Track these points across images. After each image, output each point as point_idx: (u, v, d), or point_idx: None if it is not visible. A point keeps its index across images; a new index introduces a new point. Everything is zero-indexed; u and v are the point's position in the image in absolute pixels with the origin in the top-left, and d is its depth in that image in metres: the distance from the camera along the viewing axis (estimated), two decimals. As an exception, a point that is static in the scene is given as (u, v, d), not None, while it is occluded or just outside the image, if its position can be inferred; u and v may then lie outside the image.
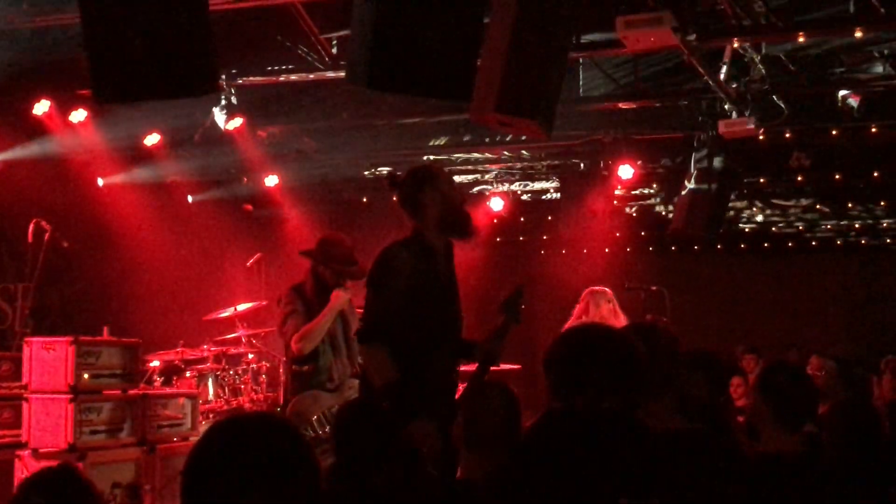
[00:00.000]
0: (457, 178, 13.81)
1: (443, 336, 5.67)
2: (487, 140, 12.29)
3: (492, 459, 4.02)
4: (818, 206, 14.15)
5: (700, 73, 9.37)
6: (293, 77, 10.01)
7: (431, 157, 12.80)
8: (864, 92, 10.38)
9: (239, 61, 9.90)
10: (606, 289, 9.26)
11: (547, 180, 13.96)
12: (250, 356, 10.32)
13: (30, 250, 9.20)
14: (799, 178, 13.03)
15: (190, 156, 12.18)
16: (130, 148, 11.40)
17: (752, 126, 10.24)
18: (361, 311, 7.78)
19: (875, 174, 12.81)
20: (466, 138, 12.29)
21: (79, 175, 11.24)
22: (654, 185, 13.74)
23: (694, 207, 11.34)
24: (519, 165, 13.58)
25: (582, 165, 13.08)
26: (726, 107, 10.24)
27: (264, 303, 11.09)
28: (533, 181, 14.01)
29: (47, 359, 7.63)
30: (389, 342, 5.45)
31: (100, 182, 11.69)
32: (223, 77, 9.84)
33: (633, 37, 7.94)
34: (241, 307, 10.62)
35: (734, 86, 9.85)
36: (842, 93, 10.45)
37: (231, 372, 10.06)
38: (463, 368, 6.06)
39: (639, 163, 12.26)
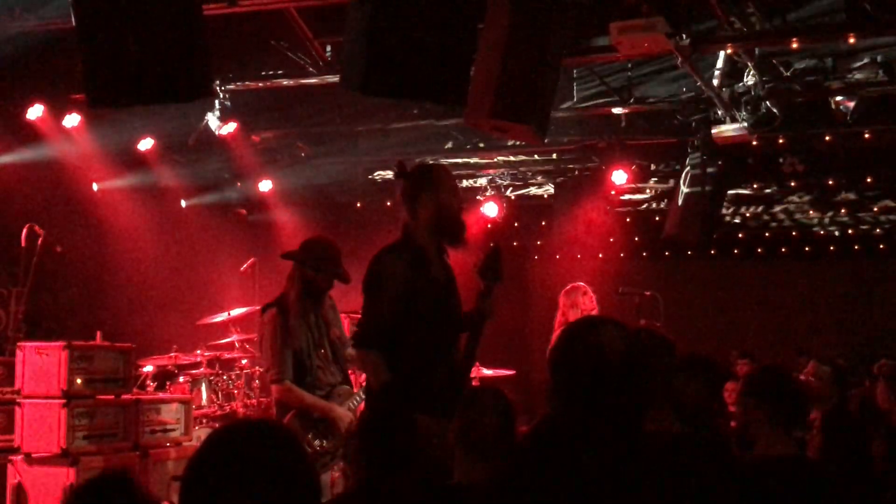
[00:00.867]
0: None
1: (443, 335, 5.70)
2: (482, 145, 12.29)
3: (487, 464, 4.02)
4: (811, 211, 14.17)
5: (694, 79, 9.38)
6: (287, 82, 10.01)
7: (426, 161, 12.81)
8: (857, 97, 10.40)
9: (233, 66, 9.90)
10: (579, 283, 9.36)
11: (541, 185, 13.96)
12: (244, 361, 10.31)
13: (23, 255, 9.18)
14: (792, 184, 13.05)
15: (184, 161, 12.19)
16: (124, 153, 11.39)
17: (745, 131, 10.26)
18: (344, 315, 7.78)
19: (868, 179, 12.83)
20: (460, 143, 12.28)
21: (72, 180, 11.22)
22: (648, 191, 13.76)
23: (687, 212, 11.35)
24: (513, 170, 13.59)
25: (576, 171, 13.09)
26: (720, 112, 10.26)
27: (258, 307, 11.07)
28: (527, 186, 14.01)
29: (40, 363, 7.61)
30: (384, 347, 5.50)
31: (95, 187, 11.67)
32: (217, 82, 9.84)
33: (626, 42, 7.95)
34: (235, 312, 10.61)
35: (727, 91, 9.86)
36: (836, 98, 10.47)
37: (224, 377, 10.05)
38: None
39: (633, 168, 12.28)
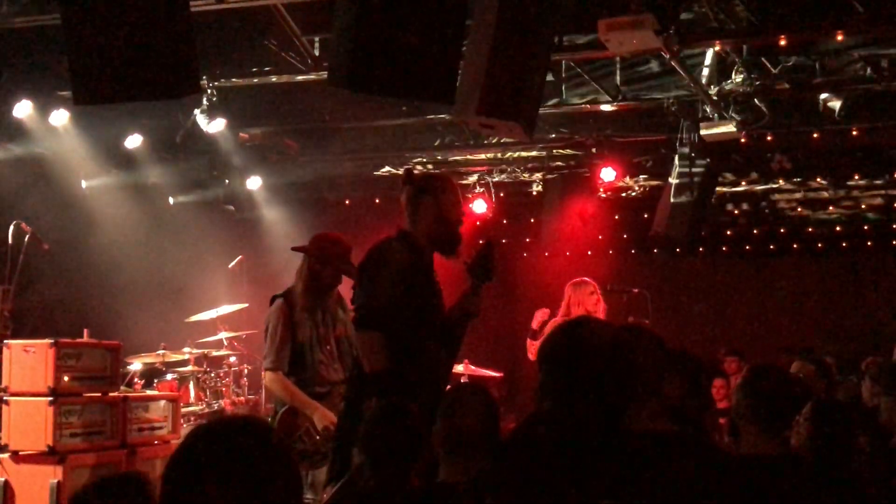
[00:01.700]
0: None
1: (431, 330, 5.70)
2: (471, 142, 12.29)
3: (470, 463, 4.02)
4: (800, 208, 14.20)
5: (682, 76, 9.39)
6: (275, 79, 9.99)
7: (414, 158, 12.81)
8: (845, 95, 10.42)
9: (220, 63, 9.87)
10: (587, 280, 9.31)
11: (529, 182, 13.96)
12: (232, 359, 10.31)
13: (10, 252, 9.15)
14: (780, 181, 13.08)
15: (171, 158, 12.15)
16: (111, 150, 11.36)
17: (733, 129, 10.27)
18: None
19: (856, 176, 12.87)
20: (448, 140, 12.28)
21: (59, 177, 11.19)
22: (637, 188, 13.77)
23: (676, 210, 11.36)
24: (502, 167, 13.58)
25: (564, 168, 13.09)
26: (708, 109, 10.27)
27: (246, 305, 11.06)
28: (515, 183, 14.01)
29: (27, 361, 7.59)
30: (385, 329, 5.48)
31: (83, 184, 11.64)
32: (204, 79, 9.82)
33: (615, 39, 7.94)
34: (223, 310, 10.60)
35: (716, 89, 9.88)
36: (823, 96, 10.49)
37: (212, 374, 10.05)
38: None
39: (621, 165, 12.29)
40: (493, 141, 12.06)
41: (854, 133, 11.11)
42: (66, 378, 7.62)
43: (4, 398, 7.63)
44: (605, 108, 10.86)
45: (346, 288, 7.05)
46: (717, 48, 9.20)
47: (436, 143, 12.33)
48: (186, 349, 10.11)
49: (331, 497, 5.21)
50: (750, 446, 4.33)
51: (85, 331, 8.17)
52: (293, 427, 6.81)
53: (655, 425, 3.69)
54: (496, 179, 13.92)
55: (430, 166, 13.10)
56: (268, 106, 11.39)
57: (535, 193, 14.13)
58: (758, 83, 9.89)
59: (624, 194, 13.97)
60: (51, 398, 7.46)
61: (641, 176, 13.40)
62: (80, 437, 7.67)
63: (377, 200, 14.22)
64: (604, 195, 13.48)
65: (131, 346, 9.59)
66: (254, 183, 12.92)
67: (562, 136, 11.97)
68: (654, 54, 9.30)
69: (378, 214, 13.57)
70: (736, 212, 14.43)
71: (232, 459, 2.37)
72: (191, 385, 9.85)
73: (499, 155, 13.00)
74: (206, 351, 10.27)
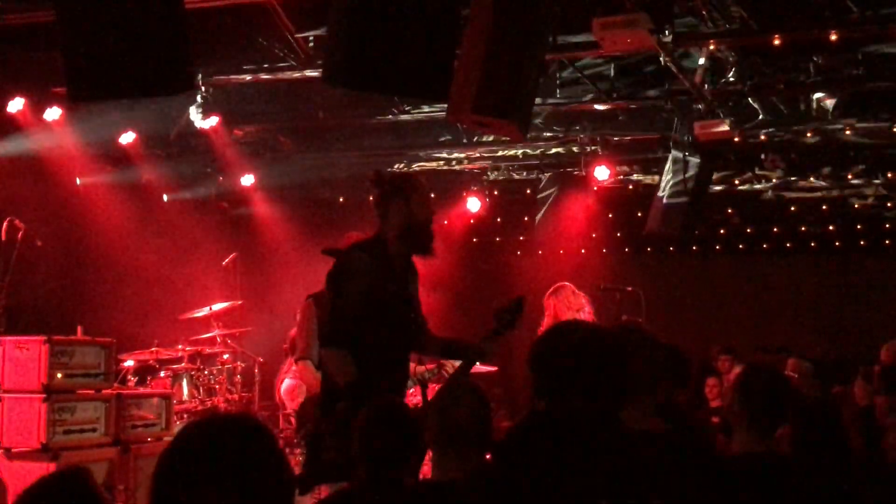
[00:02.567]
0: (433, 177, 13.83)
1: (397, 343, 5.76)
2: (465, 141, 12.28)
3: (462, 460, 4.02)
4: (793, 208, 14.21)
5: (676, 75, 9.40)
6: (269, 76, 9.98)
7: (407, 155, 12.81)
8: (839, 94, 10.43)
9: (215, 60, 9.86)
10: (565, 283, 9.25)
11: (523, 181, 13.96)
12: (225, 356, 10.31)
13: (3, 249, 9.14)
14: (774, 180, 13.09)
15: (165, 155, 12.14)
16: (105, 146, 11.34)
17: (727, 128, 10.28)
18: None
19: (849, 176, 12.87)
20: (443, 138, 12.27)
21: (53, 173, 11.17)
22: (630, 186, 13.77)
23: (669, 208, 11.37)
24: (495, 165, 13.58)
25: (558, 166, 13.09)
26: (701, 108, 10.27)
27: (239, 302, 11.06)
28: (509, 181, 14.01)
29: (20, 358, 7.59)
30: (349, 346, 5.53)
31: (77, 181, 11.62)
32: (199, 76, 9.81)
33: (609, 38, 7.96)
34: (217, 307, 10.60)
35: (709, 88, 9.88)
36: (817, 95, 10.50)
37: (206, 372, 10.04)
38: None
39: (615, 164, 12.29)
40: (488, 139, 12.06)
41: (847, 132, 11.12)
42: (59, 375, 7.62)
43: (-2, 395, 7.63)
44: (599, 106, 10.87)
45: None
46: (712, 47, 9.20)
47: (430, 141, 12.32)
48: (180, 346, 10.10)
49: (328, 497, 5.23)
50: (742, 445, 4.35)
51: (78, 328, 8.17)
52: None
53: (649, 424, 3.70)
54: (490, 178, 13.92)
55: (424, 164, 13.10)
56: (262, 103, 11.38)
57: (528, 192, 14.12)
58: (751, 82, 9.90)
59: (617, 192, 13.96)
60: (44, 395, 7.46)
61: (635, 175, 13.41)
62: (73, 434, 7.67)
63: (371, 198, 14.19)
64: (597, 193, 13.47)
65: (125, 343, 9.57)
66: (247, 180, 12.90)
67: (556, 135, 11.97)
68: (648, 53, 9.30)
69: (371, 213, 13.53)
70: (729, 210, 14.44)
71: (223, 457, 2.37)
72: (184, 382, 9.84)
73: (493, 153, 13.00)
74: (199, 348, 10.26)
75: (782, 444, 4.61)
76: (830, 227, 14.61)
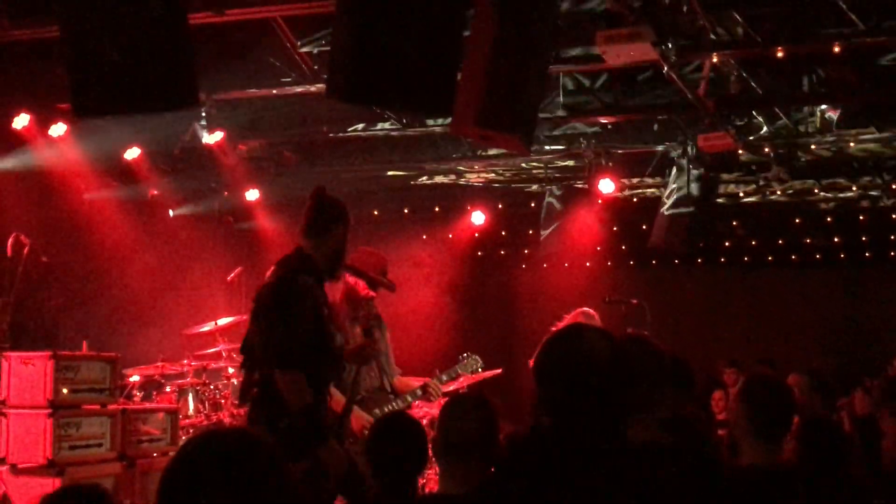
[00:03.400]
0: (438, 191, 13.87)
1: (332, 362, 5.85)
2: (469, 153, 12.29)
3: (468, 472, 4.01)
4: (798, 220, 14.21)
5: (679, 88, 9.40)
6: (273, 91, 10.00)
7: (413, 170, 12.83)
8: (842, 105, 10.43)
9: (219, 76, 9.88)
10: (586, 309, 9.24)
11: (528, 194, 13.96)
12: (231, 370, 10.28)
13: (8, 265, 9.15)
14: (778, 192, 13.09)
15: (170, 170, 12.16)
16: (110, 162, 11.36)
17: (730, 140, 10.28)
18: None
19: (853, 188, 12.87)
20: (446, 151, 12.28)
21: (58, 189, 11.18)
22: (635, 199, 13.77)
23: (673, 221, 11.37)
24: (500, 179, 13.59)
25: (563, 179, 13.09)
26: (705, 121, 10.27)
27: (245, 317, 11.04)
28: (514, 195, 14.02)
29: (26, 374, 7.59)
30: (306, 368, 5.53)
31: (82, 197, 11.64)
32: (203, 91, 9.82)
33: (612, 51, 7.96)
34: (222, 321, 10.59)
35: (713, 100, 9.88)
36: (820, 107, 10.50)
37: (211, 386, 10.03)
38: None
39: (620, 177, 12.29)
40: (492, 152, 12.06)
41: (851, 144, 11.12)
42: (64, 390, 7.62)
43: (3, 411, 7.63)
44: (603, 119, 10.87)
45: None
46: (715, 60, 9.20)
47: (434, 154, 12.33)
48: (185, 361, 10.10)
49: None
50: (747, 457, 4.34)
51: (83, 343, 8.18)
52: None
53: (653, 436, 3.69)
54: (494, 191, 13.93)
55: (429, 178, 13.12)
56: (266, 118, 11.40)
57: (533, 205, 14.13)
58: (755, 94, 9.90)
59: (622, 205, 13.96)
60: (50, 411, 7.46)
61: (639, 188, 13.41)
62: (79, 449, 7.67)
63: (375, 213, 14.23)
64: (602, 206, 13.47)
65: (130, 358, 9.58)
66: (252, 195, 12.92)
67: (560, 148, 11.97)
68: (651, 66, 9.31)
69: (376, 226, 13.58)
70: (734, 223, 14.44)
71: (227, 472, 2.37)
72: (190, 397, 9.82)
73: (497, 166, 13.01)
74: (205, 363, 10.26)
75: (788, 457, 4.60)
76: (836, 240, 14.60)
